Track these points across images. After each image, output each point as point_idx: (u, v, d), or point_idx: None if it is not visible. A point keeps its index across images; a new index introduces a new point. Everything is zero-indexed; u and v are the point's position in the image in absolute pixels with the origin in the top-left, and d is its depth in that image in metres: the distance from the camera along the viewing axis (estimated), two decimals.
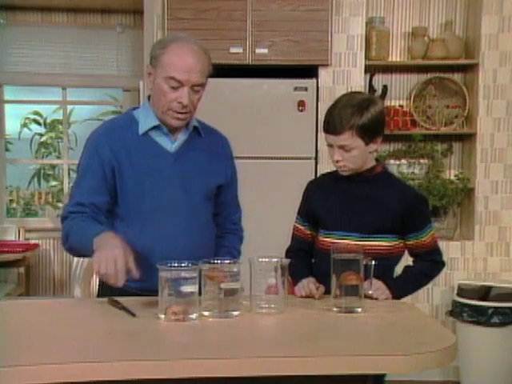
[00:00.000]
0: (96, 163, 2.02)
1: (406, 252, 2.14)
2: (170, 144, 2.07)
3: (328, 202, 2.11)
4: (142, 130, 2.05)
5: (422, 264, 2.12)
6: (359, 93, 2.11)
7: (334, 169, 2.14)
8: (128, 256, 1.81)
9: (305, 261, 2.17)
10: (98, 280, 2.07)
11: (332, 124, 2.00)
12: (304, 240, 2.19)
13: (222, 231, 2.21)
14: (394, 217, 2.03)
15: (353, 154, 2.01)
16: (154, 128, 2.05)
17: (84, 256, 2.13)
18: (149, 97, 2.10)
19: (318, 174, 2.15)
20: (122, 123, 2.10)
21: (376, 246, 2.03)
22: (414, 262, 2.16)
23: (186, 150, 2.08)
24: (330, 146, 2.04)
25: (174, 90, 1.96)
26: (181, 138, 2.08)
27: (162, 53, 1.97)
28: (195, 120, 2.12)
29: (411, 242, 2.09)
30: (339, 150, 2.01)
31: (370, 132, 2.00)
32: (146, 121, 2.05)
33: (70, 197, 2.10)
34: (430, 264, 2.12)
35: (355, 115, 1.97)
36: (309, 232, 2.19)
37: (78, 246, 1.97)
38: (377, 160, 2.13)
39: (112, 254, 1.78)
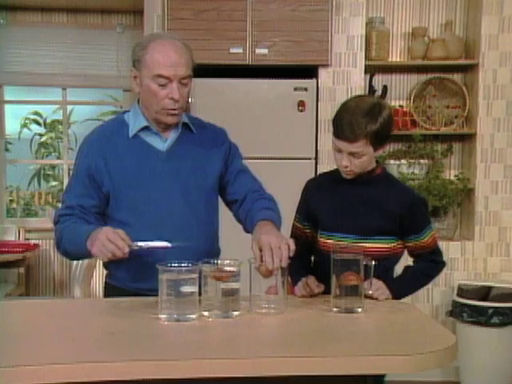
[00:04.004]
0: (85, 169, 2.04)
1: (406, 252, 2.14)
2: (162, 143, 2.07)
3: (328, 203, 2.11)
4: (131, 132, 2.05)
5: (422, 264, 2.12)
6: (366, 96, 2.09)
7: (333, 168, 2.14)
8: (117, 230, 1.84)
9: (304, 260, 2.17)
10: (102, 281, 2.08)
11: (346, 131, 1.96)
12: (304, 239, 2.19)
13: (247, 210, 2.07)
14: (393, 219, 2.03)
15: (362, 160, 2.00)
16: (144, 129, 2.05)
17: (78, 258, 2.14)
18: (138, 100, 2.10)
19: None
20: (113, 128, 2.10)
21: (376, 247, 2.03)
22: (414, 262, 2.16)
23: (178, 147, 2.08)
24: (339, 151, 2.02)
25: (164, 88, 1.97)
26: (172, 136, 2.08)
27: (144, 53, 1.98)
28: (185, 116, 2.12)
29: (411, 244, 2.09)
30: (349, 156, 1.99)
31: (382, 138, 2.00)
32: (135, 123, 2.06)
33: (61, 202, 2.12)
34: (430, 264, 2.13)
35: (370, 123, 1.95)
36: (308, 231, 2.19)
37: (73, 249, 1.99)
38: (376, 161, 2.12)
39: (102, 236, 1.81)
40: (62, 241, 2.01)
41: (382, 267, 1.96)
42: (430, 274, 2.14)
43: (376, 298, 1.96)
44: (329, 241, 2.08)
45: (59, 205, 7.04)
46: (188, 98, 2.05)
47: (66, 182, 5.21)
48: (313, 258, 2.21)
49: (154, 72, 1.95)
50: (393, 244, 2.07)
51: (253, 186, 2.15)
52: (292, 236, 2.22)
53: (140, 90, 2.03)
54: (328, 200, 2.12)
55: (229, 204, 2.17)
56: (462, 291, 3.78)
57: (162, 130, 2.06)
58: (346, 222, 2.06)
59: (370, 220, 2.04)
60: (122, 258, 1.82)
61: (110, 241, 1.80)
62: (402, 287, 2.05)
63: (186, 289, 1.69)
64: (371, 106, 1.98)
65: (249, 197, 2.10)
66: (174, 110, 2.00)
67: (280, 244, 1.78)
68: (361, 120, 1.95)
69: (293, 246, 1.81)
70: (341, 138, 1.98)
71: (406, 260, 2.17)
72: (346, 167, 2.02)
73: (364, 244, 2.00)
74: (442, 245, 2.16)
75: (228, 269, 1.78)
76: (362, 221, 2.04)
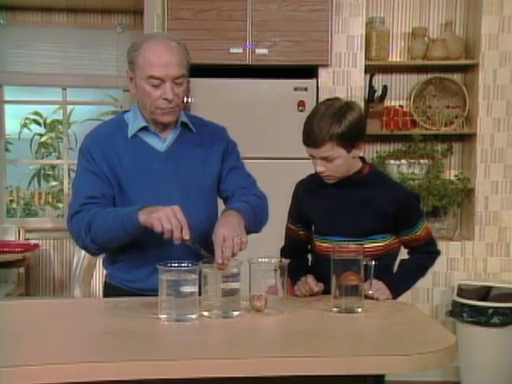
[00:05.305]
0: (94, 163, 2.01)
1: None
2: (161, 143, 2.06)
3: (319, 207, 2.10)
4: (130, 132, 2.05)
5: (417, 256, 2.12)
6: (336, 99, 2.05)
7: None
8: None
9: (302, 260, 2.17)
10: (102, 281, 2.06)
11: (311, 137, 1.95)
12: (298, 239, 2.19)
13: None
14: (386, 217, 2.03)
15: (336, 164, 1.97)
16: (143, 129, 2.05)
17: (105, 247, 1.99)
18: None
19: None
20: (112, 128, 2.09)
21: (371, 246, 2.02)
22: (408, 253, 2.16)
23: (177, 147, 2.07)
24: (312, 157, 2.01)
25: (157, 88, 1.96)
26: (171, 136, 2.07)
27: (137, 54, 1.97)
28: (184, 116, 2.11)
29: (406, 238, 2.09)
30: (321, 160, 1.98)
31: (351, 139, 1.95)
32: (134, 123, 2.06)
33: (73, 195, 2.05)
34: (425, 255, 2.12)
35: (333, 125, 1.92)
36: (302, 232, 2.19)
37: (112, 228, 1.89)
38: (363, 160, 2.09)
39: (171, 211, 1.79)
40: (92, 225, 1.91)
41: (382, 266, 1.95)
42: (425, 266, 2.13)
43: (376, 299, 1.96)
44: (324, 244, 2.08)
45: (59, 205, 7.06)
46: (184, 97, 2.04)
47: (66, 182, 5.21)
48: (311, 260, 2.21)
49: (147, 73, 1.95)
50: (387, 241, 2.07)
51: (242, 182, 2.12)
52: (286, 237, 2.22)
53: (136, 91, 2.02)
54: (320, 203, 2.10)
55: (224, 202, 2.15)
56: (462, 291, 3.78)
57: (160, 130, 2.06)
58: (339, 225, 2.05)
59: (363, 221, 2.03)
60: (170, 239, 1.78)
61: (176, 218, 1.78)
62: (400, 284, 2.05)
63: (186, 289, 1.69)
64: (338, 108, 1.96)
65: (236, 193, 2.08)
66: (168, 109, 1.99)
67: (233, 237, 1.78)
68: (323, 124, 1.93)
69: (245, 239, 1.81)
70: (307, 144, 1.98)
71: (404, 255, 2.17)
72: (323, 172, 2.00)
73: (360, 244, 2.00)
74: (441, 245, 2.16)
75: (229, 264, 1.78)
76: (354, 222, 2.03)
